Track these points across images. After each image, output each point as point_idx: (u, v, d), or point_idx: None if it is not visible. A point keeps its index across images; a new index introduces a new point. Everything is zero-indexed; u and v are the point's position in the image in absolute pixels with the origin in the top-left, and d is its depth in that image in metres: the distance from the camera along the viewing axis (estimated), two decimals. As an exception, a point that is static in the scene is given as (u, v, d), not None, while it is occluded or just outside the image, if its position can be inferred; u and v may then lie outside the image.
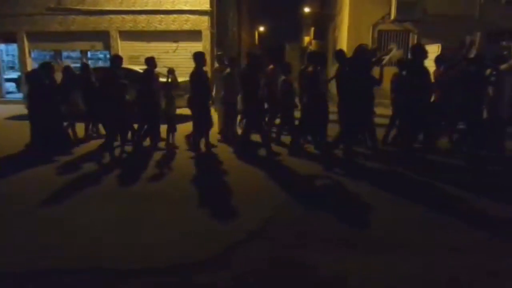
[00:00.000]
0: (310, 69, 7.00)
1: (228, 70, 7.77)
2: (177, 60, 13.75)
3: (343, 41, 13.97)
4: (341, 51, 7.03)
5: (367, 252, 3.56)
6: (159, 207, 4.65)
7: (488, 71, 6.75)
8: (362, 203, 4.78)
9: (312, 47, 25.91)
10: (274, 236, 3.90)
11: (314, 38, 22.65)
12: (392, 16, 12.94)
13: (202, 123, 7.10)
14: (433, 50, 10.69)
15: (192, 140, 7.37)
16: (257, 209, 4.55)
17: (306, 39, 27.64)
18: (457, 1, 12.96)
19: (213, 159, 6.94)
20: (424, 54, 6.00)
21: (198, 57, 6.96)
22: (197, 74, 6.90)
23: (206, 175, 6.15)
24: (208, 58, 13.82)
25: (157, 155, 7.05)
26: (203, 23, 14.56)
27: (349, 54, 6.65)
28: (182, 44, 14.62)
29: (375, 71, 6.14)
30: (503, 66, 6.71)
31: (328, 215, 4.39)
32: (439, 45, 10.67)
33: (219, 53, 9.49)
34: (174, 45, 14.76)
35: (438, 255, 3.50)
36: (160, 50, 14.13)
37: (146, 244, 3.72)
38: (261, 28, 37.18)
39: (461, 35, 11.80)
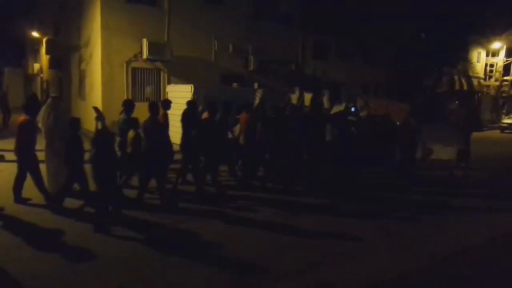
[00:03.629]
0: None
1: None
2: None
3: (96, 76, 13.61)
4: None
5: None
6: None
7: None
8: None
9: (45, 76, 23.65)
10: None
11: (50, 67, 20.81)
12: (144, 55, 13.62)
13: None
14: (186, 89, 11.94)
15: None
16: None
17: (36, 65, 25.03)
18: (197, 46, 14.92)
19: None
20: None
21: None
22: None
23: None
24: None
25: None
26: None
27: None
28: None
29: None
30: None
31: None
32: (192, 85, 11.96)
33: (53, 95, 7.73)
34: None
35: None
36: None
37: None
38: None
39: (203, 76, 13.78)
